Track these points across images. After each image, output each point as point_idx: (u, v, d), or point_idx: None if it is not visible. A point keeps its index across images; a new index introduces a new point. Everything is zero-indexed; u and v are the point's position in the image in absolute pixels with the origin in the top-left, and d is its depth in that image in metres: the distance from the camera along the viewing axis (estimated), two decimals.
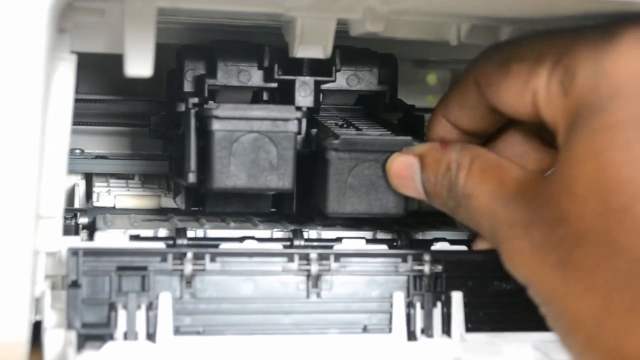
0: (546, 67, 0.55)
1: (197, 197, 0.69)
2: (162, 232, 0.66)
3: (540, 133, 0.63)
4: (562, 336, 0.53)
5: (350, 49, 0.70)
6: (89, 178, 0.79)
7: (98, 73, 0.81)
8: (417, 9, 0.60)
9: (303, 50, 0.64)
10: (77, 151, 0.80)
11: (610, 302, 0.50)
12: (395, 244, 0.67)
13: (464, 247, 0.65)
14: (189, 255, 0.59)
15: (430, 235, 0.69)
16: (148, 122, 0.77)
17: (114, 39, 0.58)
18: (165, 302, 0.58)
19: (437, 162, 0.60)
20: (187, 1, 0.57)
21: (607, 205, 0.50)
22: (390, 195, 0.63)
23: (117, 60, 0.82)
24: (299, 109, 0.66)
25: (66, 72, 0.56)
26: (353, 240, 0.66)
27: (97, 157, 0.80)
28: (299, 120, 0.63)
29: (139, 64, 0.58)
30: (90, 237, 0.67)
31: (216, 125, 0.61)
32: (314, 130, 0.66)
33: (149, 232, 0.66)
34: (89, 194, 0.77)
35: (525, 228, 0.53)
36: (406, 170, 0.61)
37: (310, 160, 0.66)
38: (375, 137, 0.64)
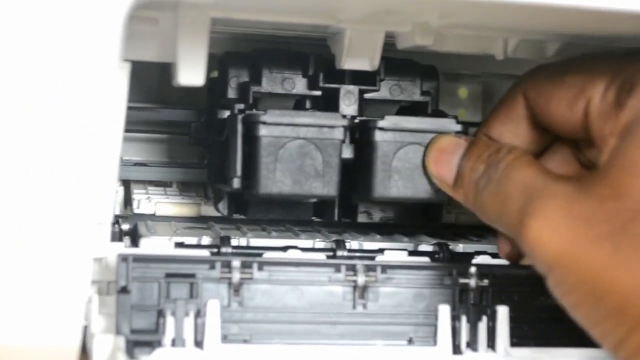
0: (604, 78, 0.56)
1: (239, 204, 0.69)
2: (206, 240, 0.66)
3: (579, 155, 0.64)
4: (604, 318, 0.52)
5: (394, 60, 0.70)
6: (127, 185, 0.80)
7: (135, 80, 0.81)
8: (469, 23, 0.61)
9: (350, 62, 0.64)
10: None
11: None
12: (437, 256, 0.67)
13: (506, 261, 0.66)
14: (237, 263, 0.59)
15: (470, 248, 0.69)
16: (186, 130, 0.77)
17: (166, 48, 0.59)
18: (213, 309, 0.58)
19: (486, 146, 0.60)
20: (241, 12, 0.58)
21: None
22: None
23: (154, 68, 0.83)
24: (343, 117, 0.66)
25: (121, 80, 0.56)
26: (395, 252, 0.66)
27: (136, 164, 0.81)
28: (345, 127, 0.64)
29: (192, 73, 0.58)
30: (133, 243, 0.67)
31: (263, 131, 0.62)
32: (357, 119, 0.67)
33: (192, 240, 0.66)
34: (127, 201, 0.78)
35: (567, 201, 0.53)
36: (451, 146, 0.62)
37: (355, 149, 0.66)
38: (421, 118, 0.65)
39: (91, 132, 0.50)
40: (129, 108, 0.79)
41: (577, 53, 0.68)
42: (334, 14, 0.60)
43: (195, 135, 0.76)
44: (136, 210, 0.75)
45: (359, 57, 0.65)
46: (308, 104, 0.69)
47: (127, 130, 0.80)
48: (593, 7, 0.50)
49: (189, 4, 0.56)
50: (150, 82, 0.86)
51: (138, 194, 0.78)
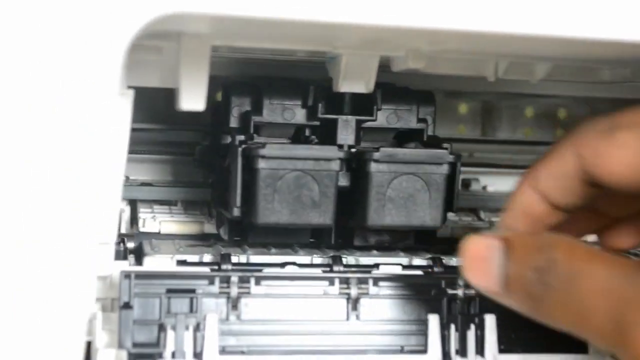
0: None
1: (239, 229, 0.72)
2: (207, 258, 0.69)
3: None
4: None
5: (391, 88, 0.73)
6: (133, 204, 0.82)
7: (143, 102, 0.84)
8: (459, 49, 0.63)
9: (346, 85, 0.67)
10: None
11: None
12: (430, 270, 0.69)
13: None
14: (235, 278, 0.62)
15: None
16: (191, 150, 0.80)
17: (169, 75, 0.62)
18: (212, 323, 0.60)
19: (526, 244, 0.53)
20: (241, 40, 0.61)
21: None
22: (428, 207, 0.67)
23: (161, 90, 0.85)
24: (340, 146, 0.69)
25: (124, 106, 0.59)
26: (390, 267, 0.69)
27: (142, 184, 0.84)
28: (341, 159, 0.67)
29: (193, 99, 0.61)
30: (137, 261, 0.70)
31: (262, 164, 0.65)
32: (354, 150, 0.70)
33: (194, 258, 0.69)
34: (133, 220, 0.80)
35: None
36: (484, 251, 0.54)
37: (351, 177, 0.69)
38: (414, 149, 0.68)
39: (94, 155, 0.53)
40: (135, 130, 0.82)
41: (567, 75, 0.71)
42: (331, 41, 0.63)
43: (200, 158, 0.79)
44: (142, 229, 0.78)
45: (355, 81, 0.68)
46: (307, 132, 0.72)
47: (133, 151, 0.84)
48: (569, 37, 0.53)
49: (191, 34, 0.59)
50: (158, 104, 0.88)
51: (144, 213, 0.80)
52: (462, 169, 0.86)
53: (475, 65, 0.69)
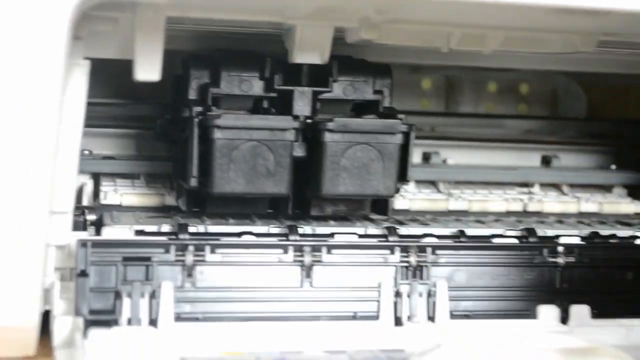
0: None
1: (197, 200, 0.73)
2: (165, 228, 0.70)
3: None
4: None
5: (347, 60, 0.73)
6: (96, 178, 0.82)
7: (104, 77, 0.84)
8: (409, 18, 0.64)
9: (301, 56, 0.68)
10: (86, 152, 0.84)
11: None
12: (385, 239, 0.70)
13: (449, 241, 0.69)
14: (191, 247, 0.63)
15: (418, 231, 0.73)
16: (152, 125, 0.81)
17: (125, 46, 0.63)
18: (167, 290, 0.62)
19: None
20: (195, 11, 0.62)
21: None
22: (381, 177, 0.68)
23: (122, 65, 0.86)
24: (296, 117, 0.70)
25: (80, 77, 0.60)
26: (345, 236, 0.70)
27: (105, 157, 0.84)
28: (296, 129, 0.68)
29: (148, 69, 0.62)
30: (97, 232, 0.70)
31: (217, 134, 0.66)
32: (310, 120, 0.71)
33: (153, 228, 0.70)
34: (96, 193, 0.81)
35: None
36: None
37: (307, 148, 0.70)
38: (368, 119, 0.69)
39: (47, 125, 0.53)
40: (98, 104, 0.83)
41: (519, 45, 0.72)
42: (283, 11, 0.64)
43: (160, 131, 0.79)
44: (103, 201, 0.78)
45: (309, 52, 0.69)
46: (265, 104, 0.72)
47: (96, 126, 0.85)
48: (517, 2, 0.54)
49: (145, 5, 0.60)
50: (121, 79, 0.89)
51: (106, 186, 0.81)
52: (424, 142, 0.89)
53: (428, 36, 0.70)
